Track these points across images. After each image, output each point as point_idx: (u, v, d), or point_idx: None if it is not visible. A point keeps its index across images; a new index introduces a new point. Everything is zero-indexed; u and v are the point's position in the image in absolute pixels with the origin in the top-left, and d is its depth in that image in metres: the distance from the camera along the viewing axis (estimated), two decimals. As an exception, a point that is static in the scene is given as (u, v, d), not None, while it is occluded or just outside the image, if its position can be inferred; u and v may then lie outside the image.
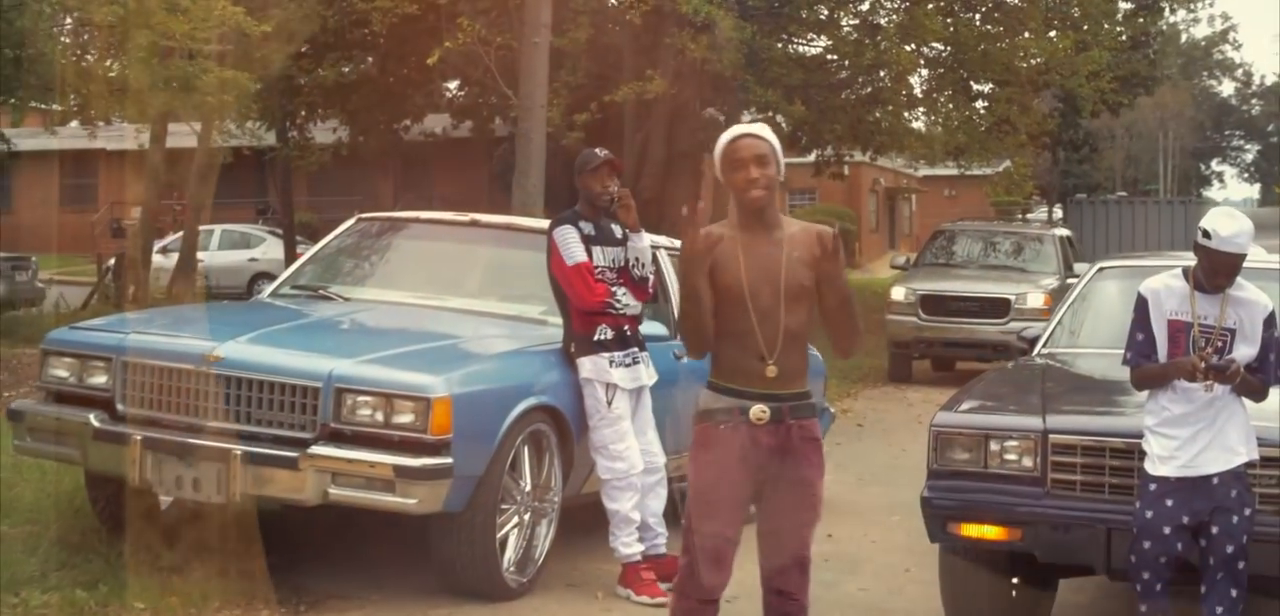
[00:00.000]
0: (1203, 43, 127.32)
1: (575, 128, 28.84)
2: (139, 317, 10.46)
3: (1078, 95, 33.88)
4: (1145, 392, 7.62)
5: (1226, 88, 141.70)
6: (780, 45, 32.05)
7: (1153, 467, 7.45)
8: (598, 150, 9.89)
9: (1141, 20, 40.07)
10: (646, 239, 9.82)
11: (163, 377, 9.03)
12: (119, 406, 9.15)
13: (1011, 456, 7.93)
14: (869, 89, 34.17)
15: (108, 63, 27.78)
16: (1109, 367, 8.58)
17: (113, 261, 35.29)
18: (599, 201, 9.70)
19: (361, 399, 8.55)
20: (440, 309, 10.48)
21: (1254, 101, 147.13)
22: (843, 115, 33.97)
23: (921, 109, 35.04)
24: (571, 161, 25.15)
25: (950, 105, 34.00)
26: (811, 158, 38.37)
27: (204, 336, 9.25)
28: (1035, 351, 10.06)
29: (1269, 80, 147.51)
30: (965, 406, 8.49)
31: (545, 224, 10.28)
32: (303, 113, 36.84)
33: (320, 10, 30.72)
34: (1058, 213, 71.76)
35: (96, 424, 9.09)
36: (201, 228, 35.87)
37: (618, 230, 9.80)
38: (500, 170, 36.82)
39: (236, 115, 27.56)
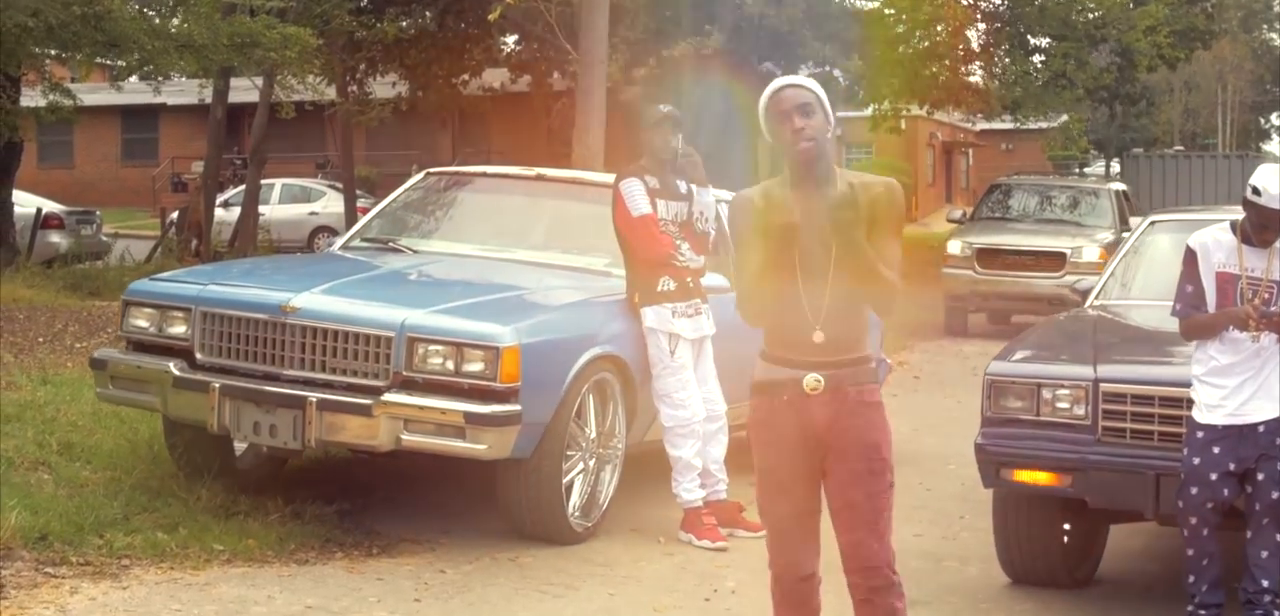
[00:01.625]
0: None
1: (634, 82, 28.96)
2: (215, 269, 10.81)
3: (1135, 50, 33.89)
4: (1194, 343, 7.83)
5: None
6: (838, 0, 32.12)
7: (1200, 415, 7.66)
8: (660, 106, 10.14)
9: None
10: (712, 195, 10.09)
11: (240, 327, 9.34)
12: (198, 355, 9.44)
13: (1063, 404, 8.14)
14: (926, 43, 34.18)
15: (172, 19, 28.11)
16: (1159, 319, 8.75)
17: (176, 215, 35.68)
18: (662, 154, 9.94)
19: (433, 348, 8.82)
20: (507, 261, 10.75)
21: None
22: (900, 70, 33.99)
23: (978, 63, 35.07)
24: (630, 116, 25.31)
25: (1007, 59, 34.04)
26: (868, 111, 38.40)
27: (280, 287, 9.55)
28: (1087, 303, 10.27)
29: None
30: (1018, 355, 8.70)
31: (610, 178, 10.53)
32: (362, 67, 37.06)
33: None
34: (1114, 167, 71.58)
35: (176, 372, 9.38)
36: (262, 181, 36.13)
37: (682, 184, 10.05)
38: (558, 124, 36.87)
39: (298, 70, 27.78)
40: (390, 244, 11.22)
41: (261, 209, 35.28)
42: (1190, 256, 7.87)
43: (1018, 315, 24.91)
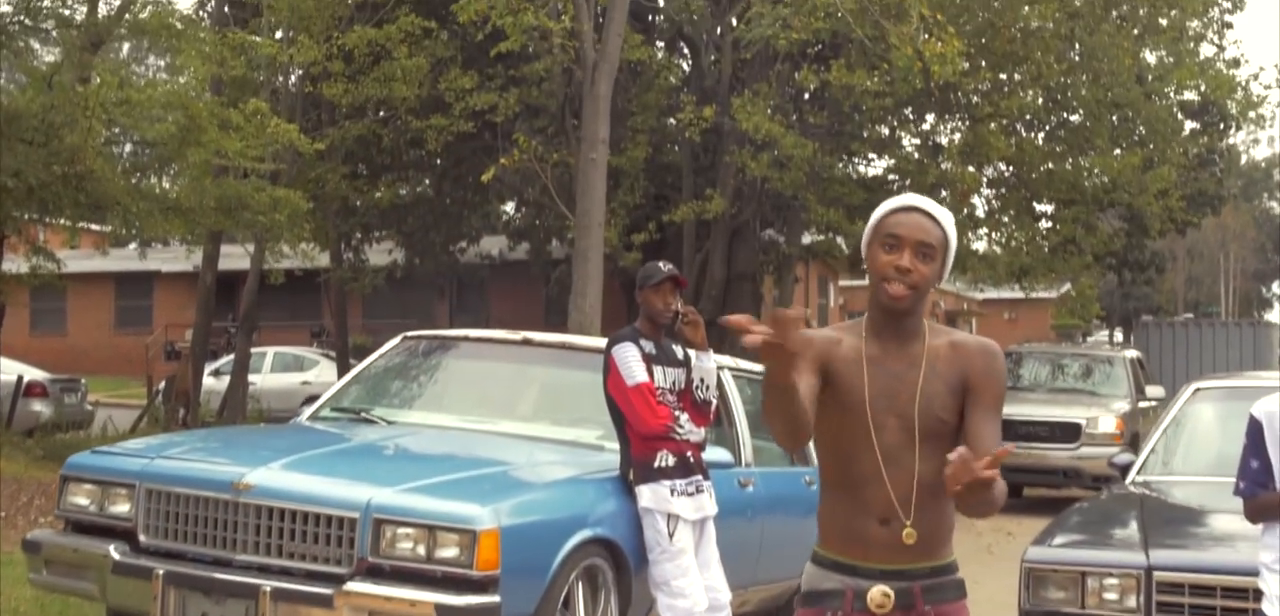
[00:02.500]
0: (1263, 164, 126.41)
1: (633, 248, 28.39)
2: (165, 441, 9.80)
3: (1145, 214, 33.24)
4: (1261, 526, 6.92)
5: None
6: (841, 165, 31.49)
7: (1271, 609, 6.74)
8: (661, 264, 9.24)
9: (1205, 139, 39.45)
10: (712, 360, 9.19)
11: (188, 506, 8.39)
12: (142, 538, 8.51)
13: (1111, 595, 7.29)
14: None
15: (159, 180, 27.46)
16: (1214, 497, 7.94)
17: (163, 384, 34.95)
18: (661, 318, 9.06)
19: (402, 531, 7.88)
20: (490, 433, 9.85)
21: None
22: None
23: (984, 230, 34.37)
24: (629, 283, 24.49)
25: (1013, 226, 33.33)
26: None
27: (234, 462, 8.60)
28: (1129, 479, 9.36)
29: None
30: (1059, 540, 7.84)
31: (601, 342, 9.65)
32: (358, 234, 36.53)
33: (376, 129, 30.45)
34: (1118, 335, 70.93)
35: (117, 556, 8.47)
36: (254, 350, 35.48)
37: (679, 350, 9.18)
38: (556, 293, 36.44)
39: (288, 235, 27.09)
40: (362, 414, 10.27)
41: (253, 378, 34.56)
42: (1255, 427, 6.95)
43: (1030, 488, 24.07)
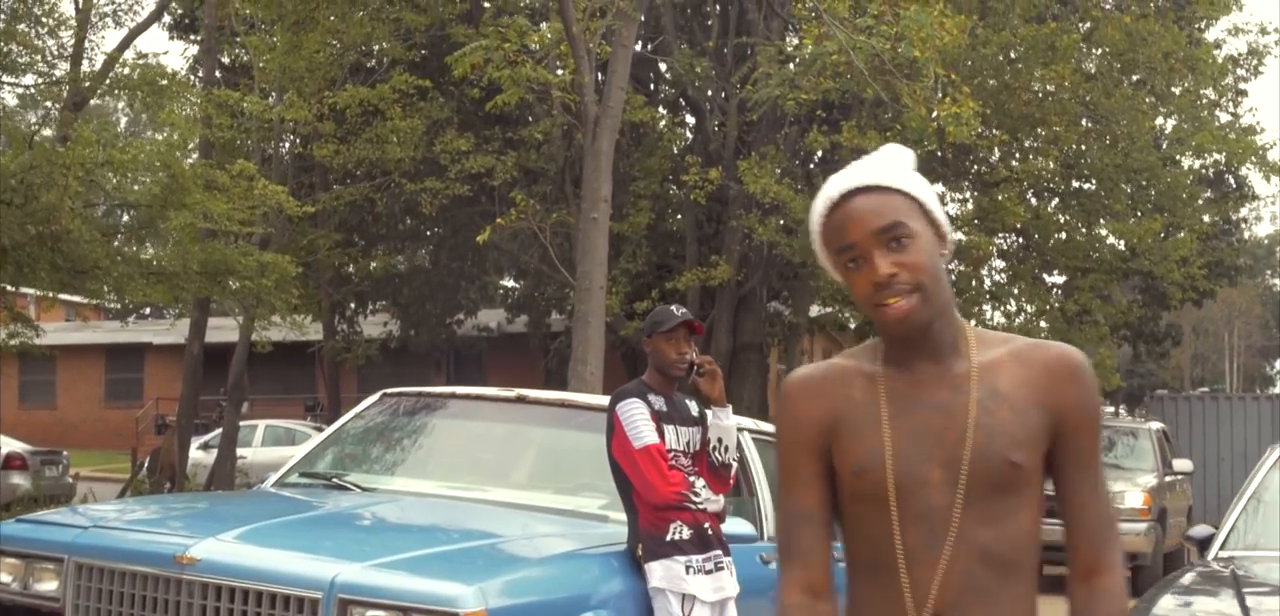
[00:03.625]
0: (1266, 241, 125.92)
1: (635, 316, 27.52)
2: (103, 509, 8.59)
3: (1164, 283, 32.31)
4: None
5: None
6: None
7: None
8: (674, 307, 8.06)
9: (1221, 208, 38.58)
10: (732, 417, 8.01)
11: (124, 583, 7.16)
12: (72, 619, 7.31)
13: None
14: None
15: (143, 245, 26.58)
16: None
17: (149, 457, 34.00)
18: (674, 370, 7.86)
19: (373, 613, 6.70)
20: (479, 502, 8.65)
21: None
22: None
23: (993, 303, 33.45)
24: (632, 354, 23.27)
25: (1024, 298, 32.39)
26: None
27: (178, 533, 7.36)
28: (1211, 555, 8.17)
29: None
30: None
31: (604, 400, 8.50)
32: (351, 304, 35.66)
33: (369, 193, 29.59)
34: (1123, 411, 69.91)
35: (42, 642, 7.27)
36: (244, 423, 34.54)
37: (693, 406, 8.01)
38: (555, 365, 35.48)
39: (277, 301, 26.09)
40: (335, 480, 9.05)
41: (243, 451, 33.59)
42: None
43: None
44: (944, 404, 3.38)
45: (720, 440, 7.88)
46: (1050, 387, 3.39)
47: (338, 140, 27.46)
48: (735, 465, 8.02)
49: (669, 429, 7.70)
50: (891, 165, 3.43)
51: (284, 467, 9.49)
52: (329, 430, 9.94)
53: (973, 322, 3.67)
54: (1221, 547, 8.15)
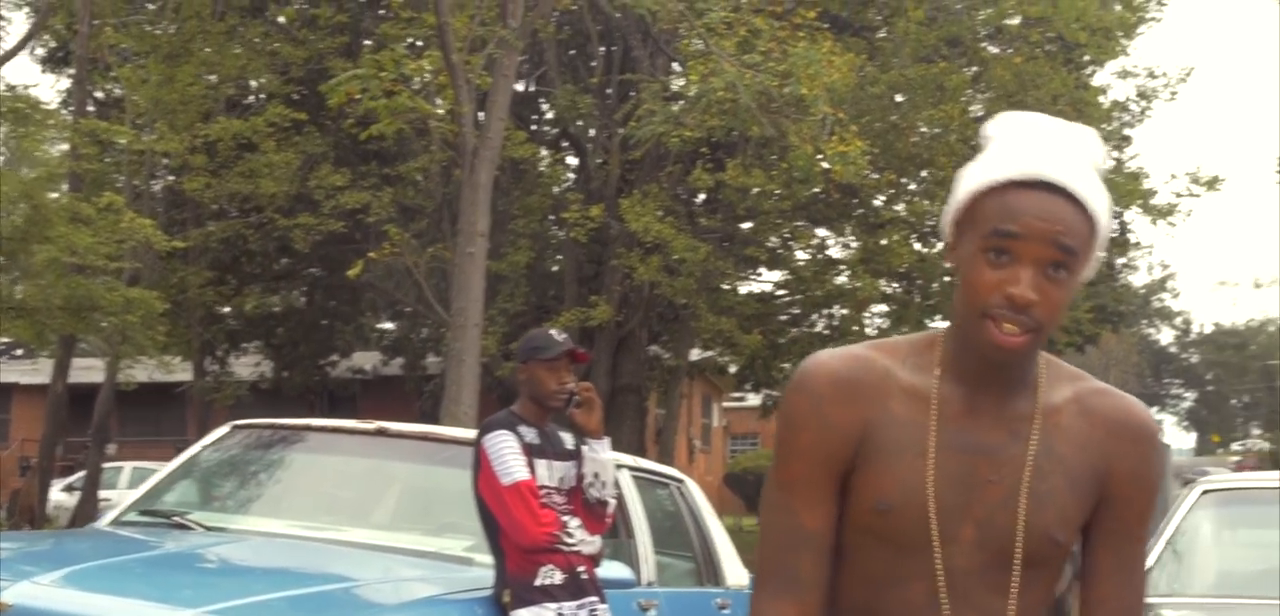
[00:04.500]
0: (1142, 291, 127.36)
1: (511, 357, 26.88)
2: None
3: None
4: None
5: (1165, 336, 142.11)
6: (734, 272, 30.20)
7: None
8: (554, 332, 7.39)
9: (1104, 254, 38.53)
10: (609, 451, 7.35)
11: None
12: None
13: None
14: (822, 324, 32.45)
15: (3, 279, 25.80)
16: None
17: (8, 500, 33.12)
18: (552, 401, 7.19)
19: (206, 668, 5.96)
20: (335, 543, 7.94)
21: (1192, 350, 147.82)
22: (796, 350, 32.17)
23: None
24: (508, 395, 22.55)
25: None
26: (758, 398, 36.47)
27: (-8, 575, 6.60)
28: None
29: (1207, 329, 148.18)
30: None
31: (472, 433, 7.84)
32: (223, 344, 34.87)
33: (242, 229, 28.90)
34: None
35: None
36: (110, 465, 33.68)
37: (568, 439, 7.34)
38: (430, 407, 34.82)
39: (144, 339, 25.30)
40: (177, 519, 8.27)
41: (108, 494, 32.64)
42: None
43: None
44: (997, 450, 2.84)
45: (596, 475, 7.21)
46: (1108, 449, 2.90)
47: (210, 173, 26.76)
48: (613, 502, 7.34)
49: (541, 463, 7.01)
50: (1088, 163, 2.81)
51: (121, 507, 8.72)
52: (172, 464, 9.17)
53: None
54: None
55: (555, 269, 32.50)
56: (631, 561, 8.32)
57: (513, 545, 6.87)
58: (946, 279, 31.09)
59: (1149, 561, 7.65)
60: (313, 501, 8.69)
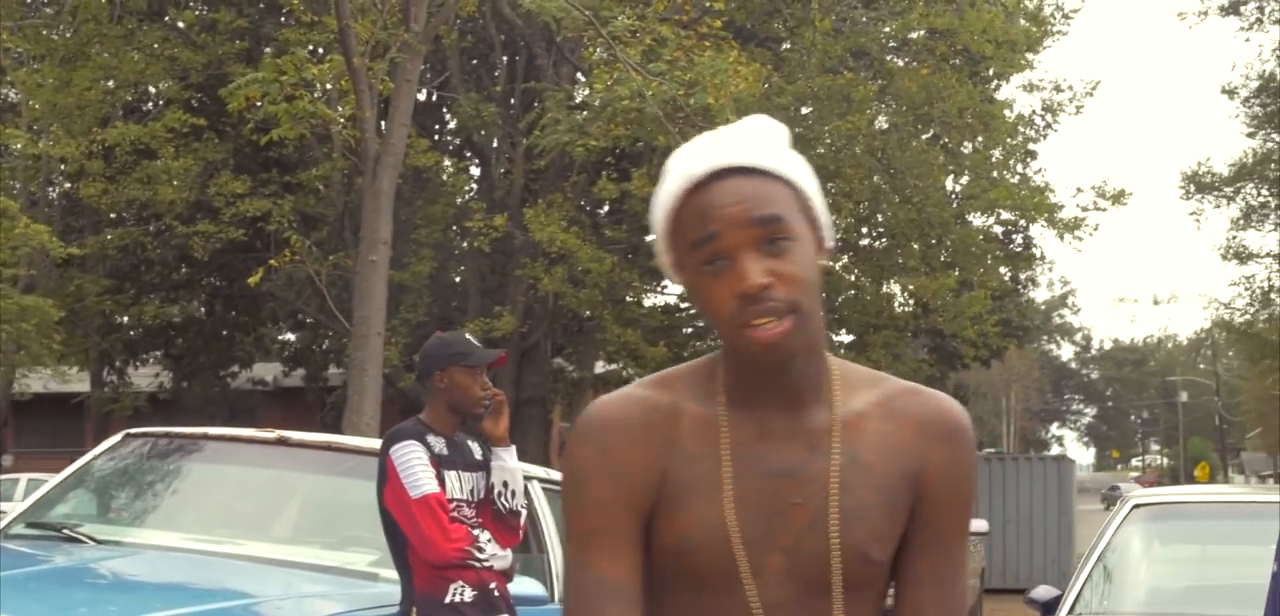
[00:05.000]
0: (1043, 307, 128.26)
1: (414, 368, 26.58)
2: None
3: (958, 340, 32.06)
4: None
5: (1066, 351, 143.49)
6: (636, 287, 30.00)
7: None
8: (469, 336, 7.08)
9: (1005, 272, 38.63)
10: (516, 459, 7.05)
11: None
12: None
13: None
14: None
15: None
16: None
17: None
18: (471, 410, 6.88)
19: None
20: (233, 557, 7.61)
21: (1092, 366, 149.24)
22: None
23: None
24: (409, 407, 22.00)
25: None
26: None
27: None
28: (1060, 620, 7.37)
29: (1107, 345, 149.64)
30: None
31: (376, 443, 7.54)
32: (122, 354, 34.33)
33: (140, 237, 28.43)
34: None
35: None
36: (6, 476, 33.15)
37: (476, 449, 7.03)
38: (332, 418, 34.42)
39: (39, 348, 24.82)
40: (67, 531, 7.90)
41: (3, 506, 32.01)
42: None
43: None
44: (796, 470, 2.59)
45: (505, 484, 6.90)
46: (918, 451, 2.65)
47: (107, 179, 26.30)
48: (524, 512, 7.06)
49: (450, 475, 6.69)
50: (767, 141, 2.58)
51: (7, 517, 8.35)
52: (62, 475, 8.80)
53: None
54: (1070, 612, 7.34)
55: (458, 279, 32.18)
56: (542, 576, 8.04)
57: (421, 561, 6.56)
58: (852, 292, 31.04)
59: (1080, 579, 7.46)
60: (210, 513, 8.36)
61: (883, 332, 30.82)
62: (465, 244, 29.87)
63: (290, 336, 39.04)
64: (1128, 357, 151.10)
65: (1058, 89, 33.75)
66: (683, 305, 33.01)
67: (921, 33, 29.75)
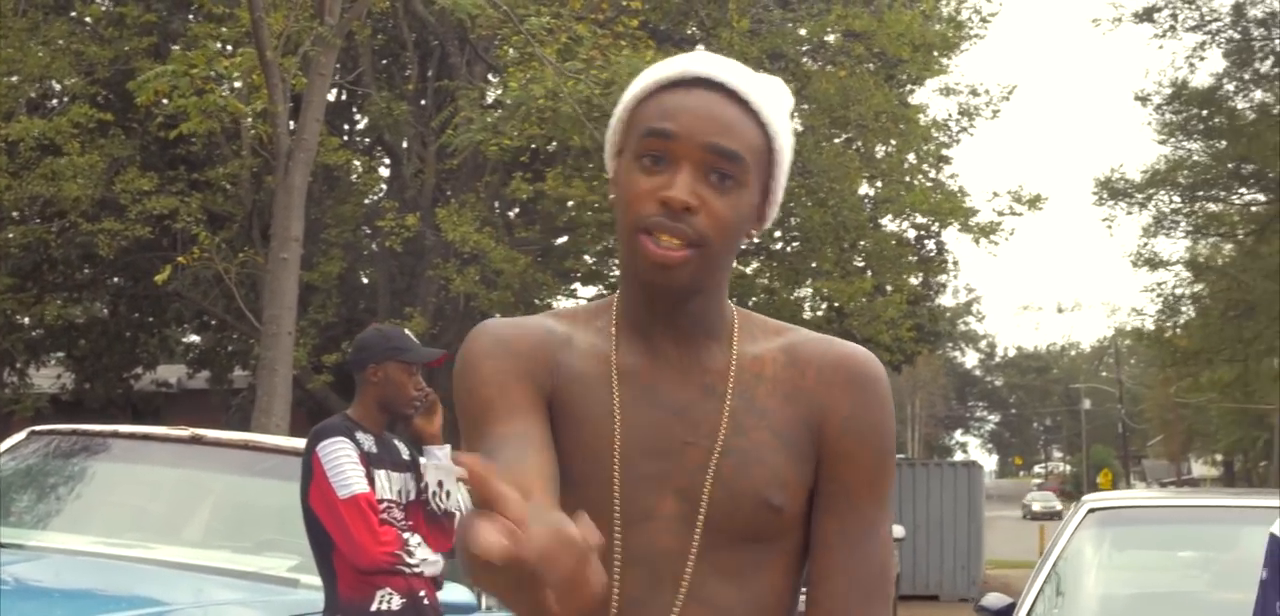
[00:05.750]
0: (948, 313, 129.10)
1: (323, 369, 26.22)
2: None
3: (874, 344, 31.94)
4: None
5: (970, 358, 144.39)
6: (550, 288, 29.72)
7: None
8: (407, 332, 6.75)
9: (916, 278, 38.65)
10: (450, 461, 6.69)
11: None
12: None
13: None
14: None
15: None
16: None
17: None
18: (407, 408, 6.54)
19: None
20: (144, 562, 7.24)
21: (996, 373, 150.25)
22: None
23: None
24: (317, 411, 21.48)
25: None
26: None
27: None
28: (1014, 631, 7.08)
29: (1011, 353, 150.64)
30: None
31: (297, 443, 7.17)
32: (23, 354, 33.78)
33: (43, 234, 27.90)
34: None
35: None
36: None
37: (402, 448, 6.67)
38: (238, 421, 33.95)
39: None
40: (-32, 534, 7.54)
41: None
42: None
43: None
44: (689, 408, 2.48)
45: (441, 483, 6.55)
46: (821, 398, 2.50)
47: (10, 175, 25.74)
48: (459, 513, 6.70)
49: (380, 474, 6.33)
50: (769, 92, 2.50)
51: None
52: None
53: None
54: (1027, 617, 7.06)
55: (365, 280, 31.75)
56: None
57: (347, 566, 6.19)
58: (765, 295, 30.82)
59: (1034, 587, 7.18)
60: (119, 515, 7.99)
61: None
62: (376, 244, 29.46)
63: (195, 338, 38.56)
64: (1031, 365, 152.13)
65: (974, 93, 33.70)
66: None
67: (838, 35, 29.64)
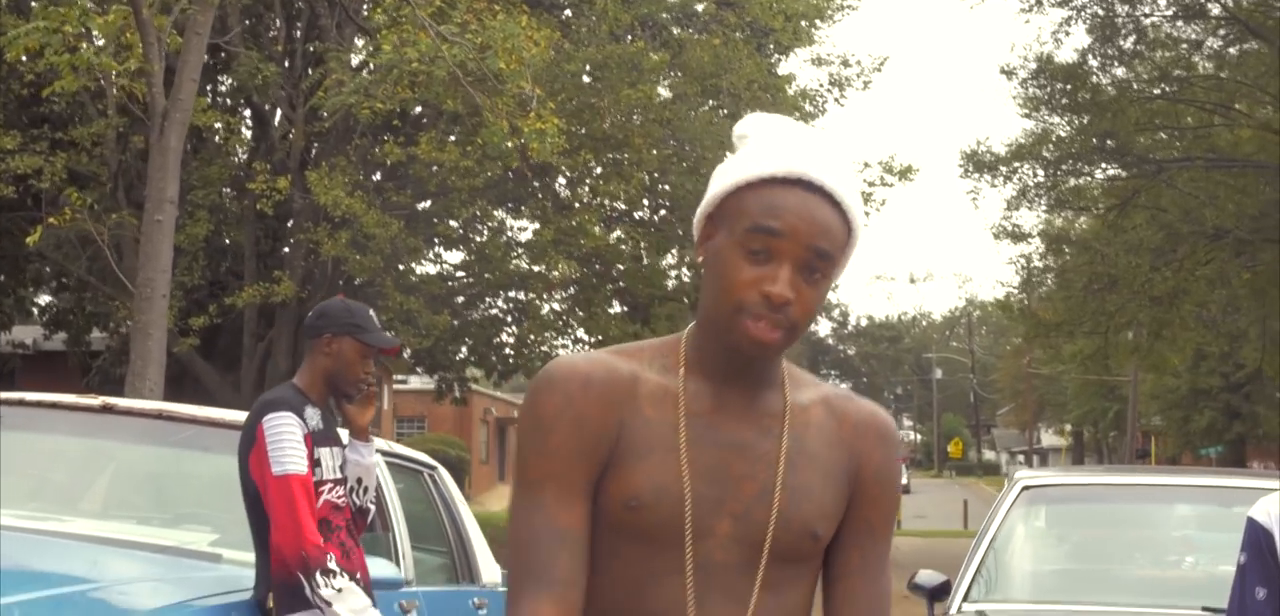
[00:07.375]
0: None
1: (189, 332, 25.78)
2: None
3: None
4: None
5: (823, 327, 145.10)
6: (420, 253, 29.41)
7: None
8: (371, 313, 6.52)
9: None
10: (374, 454, 6.54)
11: None
12: None
13: None
14: (500, 307, 32.13)
15: None
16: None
17: None
18: (353, 389, 6.32)
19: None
20: (49, 535, 6.87)
21: (849, 342, 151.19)
22: (477, 331, 31.71)
23: (551, 333, 32.58)
24: (184, 374, 20.93)
25: (584, 327, 31.59)
26: (433, 381, 35.81)
27: None
28: (953, 608, 6.94)
29: (863, 322, 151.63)
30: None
31: (213, 413, 6.93)
32: None
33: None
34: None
35: None
36: None
37: (343, 433, 6.46)
38: (97, 383, 33.24)
39: None
40: None
41: None
42: (1260, 539, 4.57)
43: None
44: (748, 446, 2.87)
45: (360, 480, 6.37)
46: (857, 447, 2.96)
47: None
48: (373, 511, 6.52)
49: (324, 451, 6.08)
50: (853, 187, 2.84)
51: None
52: None
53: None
54: (965, 599, 6.94)
55: (228, 242, 31.19)
56: (390, 555, 7.49)
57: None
58: (634, 263, 30.69)
59: (971, 564, 7.12)
60: (20, 486, 7.57)
61: (667, 305, 30.55)
62: (242, 206, 29.00)
63: (48, 297, 37.84)
64: (884, 335, 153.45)
65: (845, 64, 33.72)
66: (459, 273, 32.44)
67: (709, 3, 29.58)
